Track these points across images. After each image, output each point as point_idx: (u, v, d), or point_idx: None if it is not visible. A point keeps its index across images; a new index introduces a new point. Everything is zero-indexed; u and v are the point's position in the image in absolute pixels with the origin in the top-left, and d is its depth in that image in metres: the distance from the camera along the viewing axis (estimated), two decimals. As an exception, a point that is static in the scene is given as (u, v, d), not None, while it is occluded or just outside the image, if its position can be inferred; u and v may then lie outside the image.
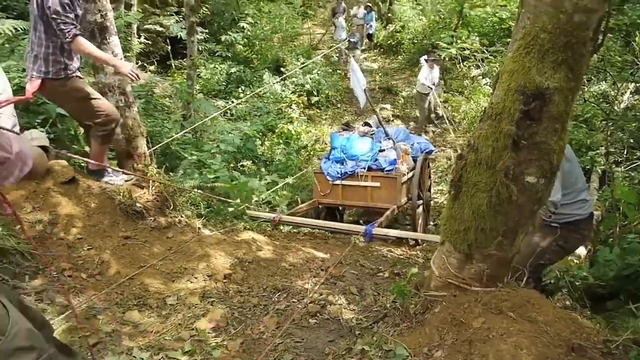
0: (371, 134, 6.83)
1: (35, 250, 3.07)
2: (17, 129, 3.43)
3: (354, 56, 14.73)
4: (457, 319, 2.34)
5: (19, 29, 4.56)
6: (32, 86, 3.45)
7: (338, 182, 6.16)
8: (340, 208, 7.09)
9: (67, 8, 3.39)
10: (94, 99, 3.67)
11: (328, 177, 6.18)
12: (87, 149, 4.32)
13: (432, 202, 7.47)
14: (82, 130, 4.30)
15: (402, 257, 5.02)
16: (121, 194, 3.82)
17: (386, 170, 6.06)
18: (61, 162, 3.75)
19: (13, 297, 1.76)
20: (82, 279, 3.13)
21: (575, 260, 4.46)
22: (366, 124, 7.32)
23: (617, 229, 4.63)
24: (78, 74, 3.70)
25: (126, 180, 4.04)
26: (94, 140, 3.83)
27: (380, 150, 6.33)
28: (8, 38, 4.65)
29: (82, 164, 4.24)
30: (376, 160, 6.17)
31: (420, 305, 2.66)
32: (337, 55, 15.37)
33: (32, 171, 1.55)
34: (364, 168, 6.07)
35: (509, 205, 2.21)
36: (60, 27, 3.39)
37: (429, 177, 7.19)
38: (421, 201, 6.30)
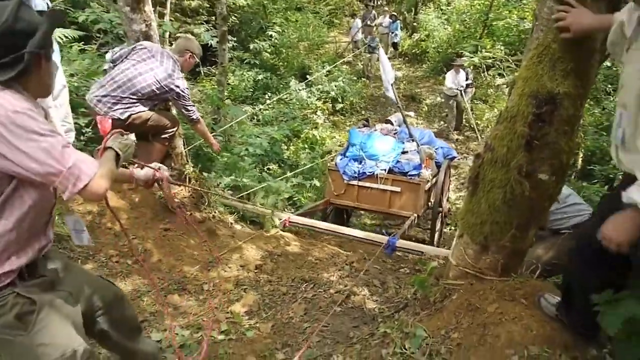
0: (394, 133, 6.44)
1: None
2: (72, 134, 3.74)
3: (370, 59, 14.88)
4: (472, 304, 2.54)
5: (69, 37, 4.93)
6: (105, 125, 3.76)
7: (354, 182, 5.76)
8: (349, 210, 6.65)
9: (189, 92, 4.05)
10: (150, 117, 3.98)
11: (344, 176, 5.77)
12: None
13: (452, 208, 7.43)
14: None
15: (422, 258, 5.20)
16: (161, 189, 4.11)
17: (409, 175, 5.64)
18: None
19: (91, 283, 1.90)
20: (127, 265, 3.44)
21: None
22: (387, 121, 7.02)
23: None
24: None
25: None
26: (158, 142, 4.14)
27: (403, 152, 5.92)
28: (59, 45, 5.02)
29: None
30: (398, 162, 5.75)
31: (439, 293, 2.86)
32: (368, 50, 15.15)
33: (90, 189, 1.46)
34: (385, 170, 5.65)
35: (522, 200, 2.41)
36: (187, 108, 4.08)
37: (449, 183, 6.89)
38: (441, 209, 6.04)
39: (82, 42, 5.69)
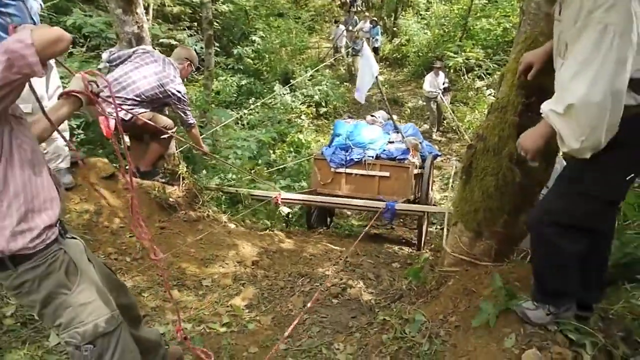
0: (380, 124, 6.42)
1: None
2: (65, 134, 3.74)
3: (353, 63, 15.05)
4: (468, 289, 2.64)
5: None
6: (109, 125, 3.78)
7: (341, 170, 5.63)
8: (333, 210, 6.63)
9: (187, 98, 4.21)
10: (151, 119, 4.02)
11: (331, 164, 5.65)
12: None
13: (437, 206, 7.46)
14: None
15: (411, 253, 5.31)
16: (156, 189, 4.16)
17: (398, 159, 5.57)
18: (102, 159, 4.09)
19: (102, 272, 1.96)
20: (126, 262, 3.46)
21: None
22: (372, 116, 6.87)
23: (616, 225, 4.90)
24: None
25: (161, 178, 4.40)
26: (156, 143, 4.27)
27: (389, 142, 5.87)
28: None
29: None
30: (384, 150, 5.69)
31: (435, 281, 2.97)
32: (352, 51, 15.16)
33: (40, 42, 1.41)
34: (372, 156, 5.61)
35: (513, 187, 2.53)
36: (185, 112, 4.25)
37: (433, 181, 6.90)
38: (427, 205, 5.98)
39: (71, 46, 5.69)
